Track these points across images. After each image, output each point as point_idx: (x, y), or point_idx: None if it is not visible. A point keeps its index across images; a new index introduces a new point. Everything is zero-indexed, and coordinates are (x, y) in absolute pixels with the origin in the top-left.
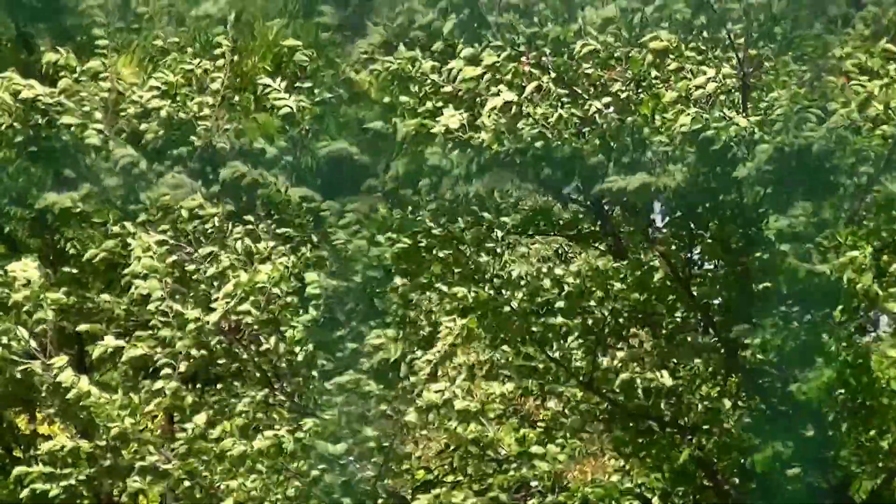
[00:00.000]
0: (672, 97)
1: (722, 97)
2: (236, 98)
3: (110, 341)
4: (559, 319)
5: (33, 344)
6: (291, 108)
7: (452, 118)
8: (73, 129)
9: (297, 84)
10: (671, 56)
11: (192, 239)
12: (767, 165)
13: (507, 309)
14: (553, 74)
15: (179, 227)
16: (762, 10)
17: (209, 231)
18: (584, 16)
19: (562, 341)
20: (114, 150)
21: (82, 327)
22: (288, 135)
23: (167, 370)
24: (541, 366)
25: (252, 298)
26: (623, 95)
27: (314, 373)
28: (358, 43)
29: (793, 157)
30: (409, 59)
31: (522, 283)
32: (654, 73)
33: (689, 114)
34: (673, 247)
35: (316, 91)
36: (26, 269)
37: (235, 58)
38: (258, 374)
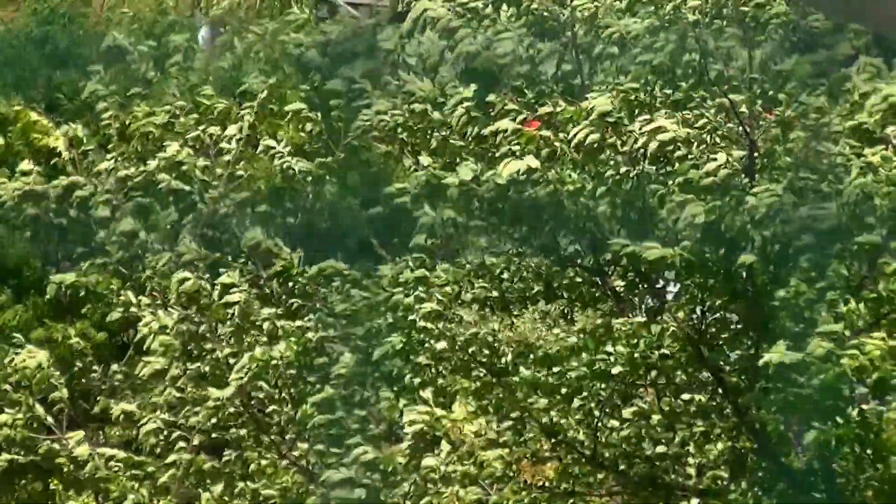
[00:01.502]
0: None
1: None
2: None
3: (125, 406)
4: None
5: (50, 420)
6: (294, 170)
7: (467, 172)
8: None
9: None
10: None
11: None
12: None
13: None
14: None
15: (202, 307)
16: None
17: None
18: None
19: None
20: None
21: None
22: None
23: (181, 443)
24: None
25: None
26: (632, 174)
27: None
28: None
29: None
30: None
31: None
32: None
33: (698, 204)
34: (682, 311)
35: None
36: (34, 354)
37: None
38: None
